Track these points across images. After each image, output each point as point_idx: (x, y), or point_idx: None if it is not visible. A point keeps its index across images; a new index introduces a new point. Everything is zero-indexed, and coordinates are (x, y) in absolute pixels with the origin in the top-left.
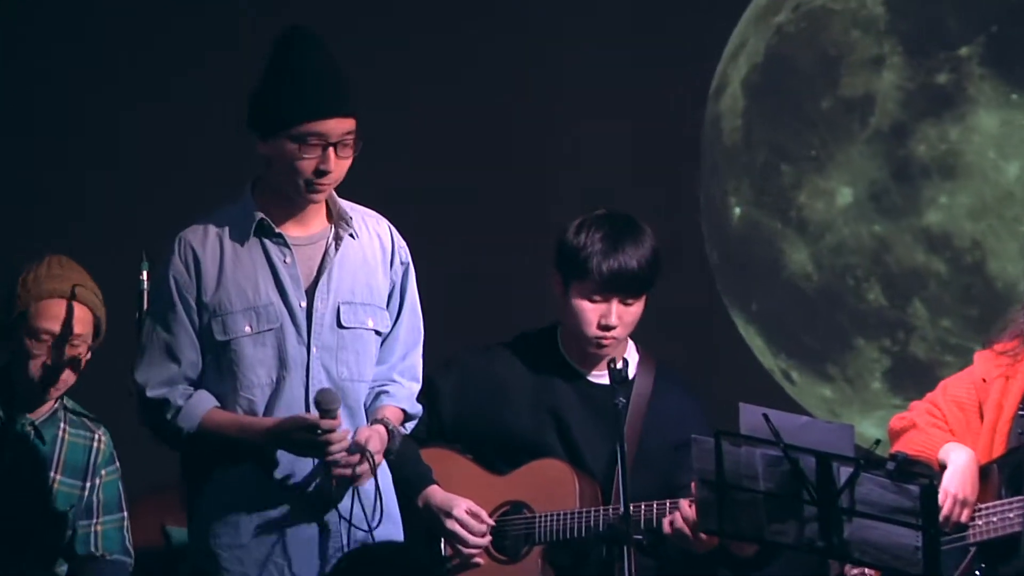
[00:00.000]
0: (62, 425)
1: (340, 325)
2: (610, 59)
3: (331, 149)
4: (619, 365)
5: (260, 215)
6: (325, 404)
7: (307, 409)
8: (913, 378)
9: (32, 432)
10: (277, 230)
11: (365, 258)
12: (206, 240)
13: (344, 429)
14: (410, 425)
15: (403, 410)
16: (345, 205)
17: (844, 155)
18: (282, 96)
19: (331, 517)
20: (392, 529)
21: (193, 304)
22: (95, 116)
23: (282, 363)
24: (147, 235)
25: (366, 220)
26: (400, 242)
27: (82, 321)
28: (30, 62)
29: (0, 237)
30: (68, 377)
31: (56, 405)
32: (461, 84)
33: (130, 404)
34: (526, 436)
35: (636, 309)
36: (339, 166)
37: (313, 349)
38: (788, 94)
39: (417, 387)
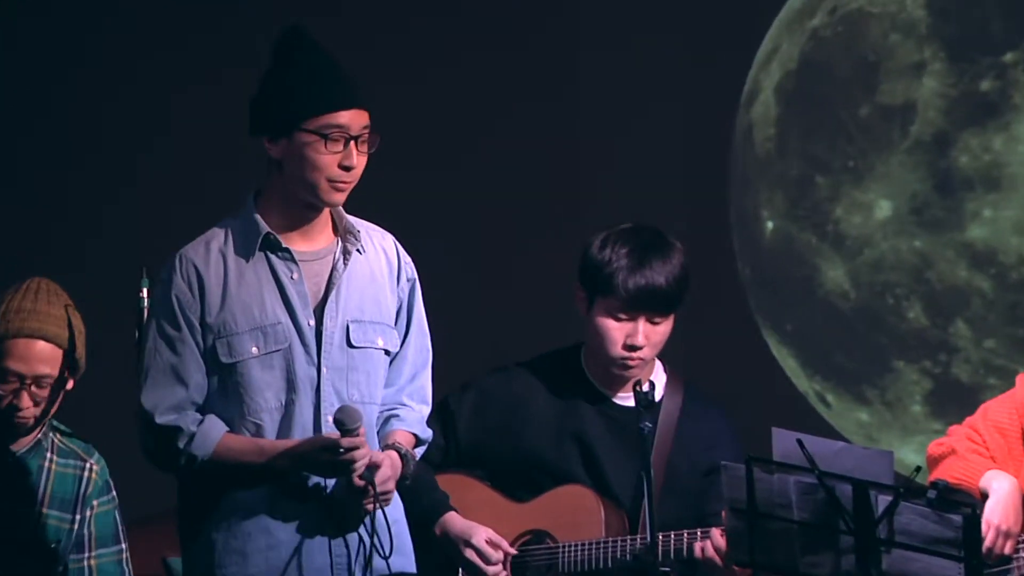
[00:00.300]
0: (48, 455)
1: (350, 344)
2: (634, 65)
3: (352, 143)
4: (645, 388)
5: (267, 229)
6: (346, 423)
7: (318, 434)
8: (955, 402)
9: (12, 462)
10: (284, 245)
11: (373, 274)
12: (208, 257)
13: (366, 448)
14: (420, 450)
15: (414, 435)
16: (351, 219)
17: (883, 166)
18: (296, 90)
19: (341, 549)
20: (403, 562)
21: (197, 325)
22: (95, 127)
23: (291, 385)
24: (148, 251)
25: (371, 235)
26: (406, 258)
27: (47, 362)
28: (31, 70)
29: (23, 254)
30: (34, 414)
31: (40, 434)
32: (485, 90)
33: (125, 427)
34: (548, 461)
35: (664, 328)
36: (360, 162)
37: (323, 370)
38: (824, 102)
39: (427, 410)
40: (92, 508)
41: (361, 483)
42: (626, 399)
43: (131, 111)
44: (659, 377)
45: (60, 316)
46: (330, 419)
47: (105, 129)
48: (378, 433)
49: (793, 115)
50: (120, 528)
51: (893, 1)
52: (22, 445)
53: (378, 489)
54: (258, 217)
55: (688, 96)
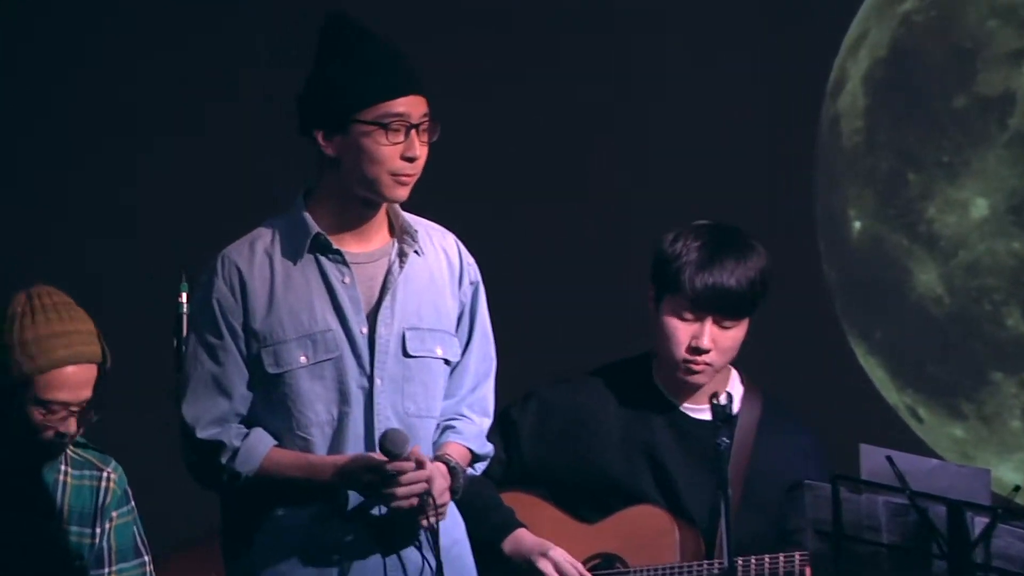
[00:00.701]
0: (62, 468)
1: (406, 354)
2: (709, 51)
3: (414, 132)
4: (722, 400)
5: (317, 229)
6: (391, 447)
7: (369, 450)
8: None
9: (30, 481)
10: (335, 246)
11: (432, 277)
12: (253, 259)
13: (421, 472)
14: (480, 466)
15: (470, 449)
16: (407, 215)
17: (980, 161)
18: (350, 80)
19: (398, 571)
20: None
21: (240, 331)
22: (124, 124)
23: (342, 397)
24: (186, 252)
25: (431, 234)
26: (468, 259)
27: (89, 383)
28: (31, 69)
29: (23, 254)
30: (77, 435)
31: None
32: (549, 77)
33: (156, 444)
34: (618, 479)
35: (735, 334)
36: (423, 152)
37: (377, 381)
38: (916, 92)
39: (488, 423)
40: (111, 520)
41: (415, 501)
42: (700, 411)
43: (163, 99)
44: (735, 388)
45: (87, 330)
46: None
47: (140, 128)
48: (434, 444)
49: (883, 106)
50: (140, 540)
51: None
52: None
53: (434, 501)
54: (308, 216)
55: (769, 86)
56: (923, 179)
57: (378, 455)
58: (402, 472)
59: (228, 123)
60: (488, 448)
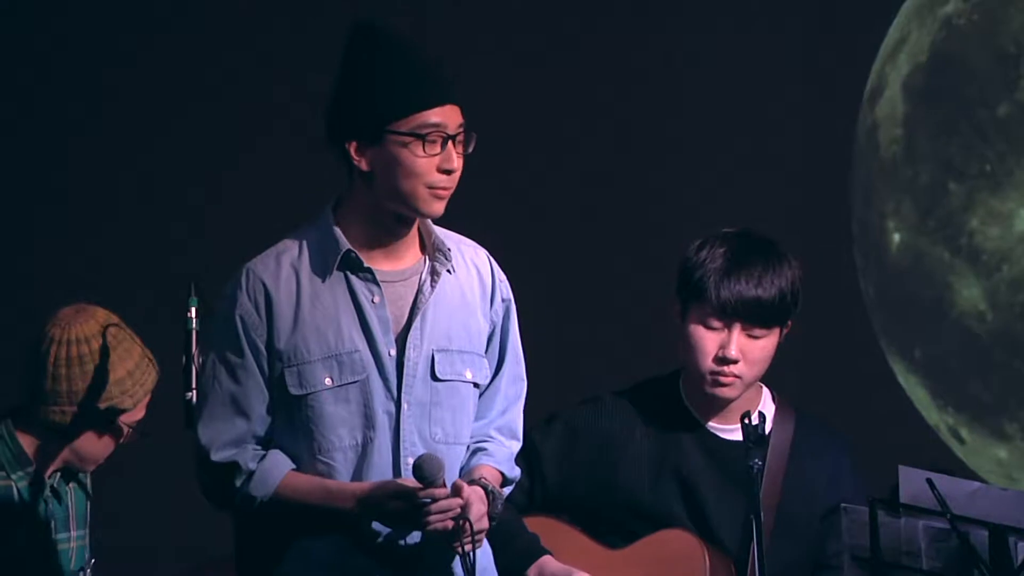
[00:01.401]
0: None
1: (435, 377)
2: (743, 56)
3: (451, 143)
4: (754, 420)
5: (348, 246)
6: (426, 473)
7: (397, 477)
8: None
9: (51, 495)
10: (366, 264)
11: (463, 296)
12: (279, 274)
13: (456, 499)
14: (507, 490)
15: (502, 472)
16: (438, 230)
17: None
18: (387, 88)
19: None
20: None
21: (263, 350)
22: (127, 125)
23: (368, 422)
24: (196, 264)
25: (463, 250)
26: (501, 276)
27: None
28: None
29: (31, 263)
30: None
31: None
32: (581, 92)
33: (169, 467)
34: (645, 502)
35: (765, 344)
36: (459, 165)
37: (404, 405)
38: (958, 99)
39: (517, 446)
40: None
41: (449, 525)
42: (730, 431)
43: (174, 101)
44: (767, 407)
45: (147, 354)
46: (410, 461)
47: (144, 126)
48: (462, 469)
49: (923, 114)
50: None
51: None
52: (50, 472)
53: (471, 526)
54: (338, 232)
55: (803, 92)
56: (965, 190)
57: (407, 480)
58: (435, 499)
59: (292, 134)
60: (517, 472)
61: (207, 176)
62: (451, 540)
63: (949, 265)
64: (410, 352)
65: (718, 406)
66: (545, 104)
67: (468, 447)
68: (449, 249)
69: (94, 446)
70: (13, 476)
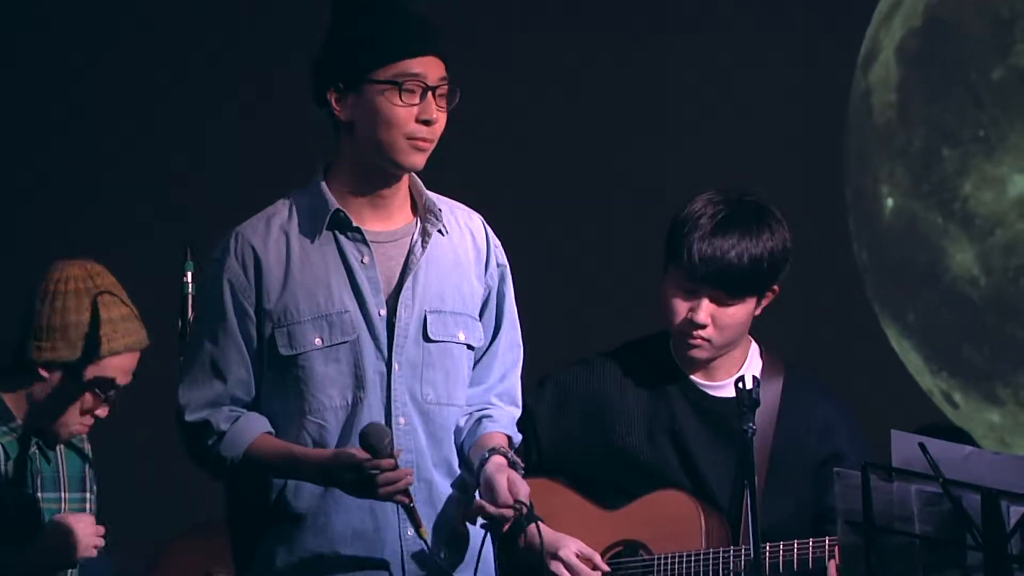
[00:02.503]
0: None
1: (427, 338)
2: (734, 20)
3: (431, 95)
4: (748, 384)
5: (336, 205)
6: (372, 442)
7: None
8: None
9: (38, 453)
10: (355, 224)
11: (457, 258)
12: (268, 236)
13: (404, 469)
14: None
15: (509, 437)
16: (433, 194)
17: (1017, 136)
18: (364, 37)
19: (415, 569)
20: None
21: (252, 313)
22: (123, 96)
23: (358, 382)
24: (191, 229)
25: (456, 214)
26: (495, 241)
27: (134, 369)
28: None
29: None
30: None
31: None
32: (581, 53)
33: (165, 428)
34: (640, 462)
35: (735, 312)
36: (440, 118)
37: (395, 366)
38: (951, 63)
39: (517, 412)
40: (95, 485)
41: (405, 500)
42: (719, 388)
43: (167, 69)
44: (755, 363)
45: (137, 315)
46: (402, 421)
47: (139, 94)
48: (468, 435)
49: (917, 79)
50: None
51: None
52: (42, 432)
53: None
54: (327, 192)
55: (797, 57)
56: (958, 155)
57: (359, 451)
58: (380, 470)
59: (286, 96)
60: (519, 436)
61: (205, 139)
62: (498, 527)
63: (943, 230)
64: (401, 312)
65: (701, 363)
66: (539, 69)
67: (471, 415)
68: (440, 210)
69: (53, 397)
70: None
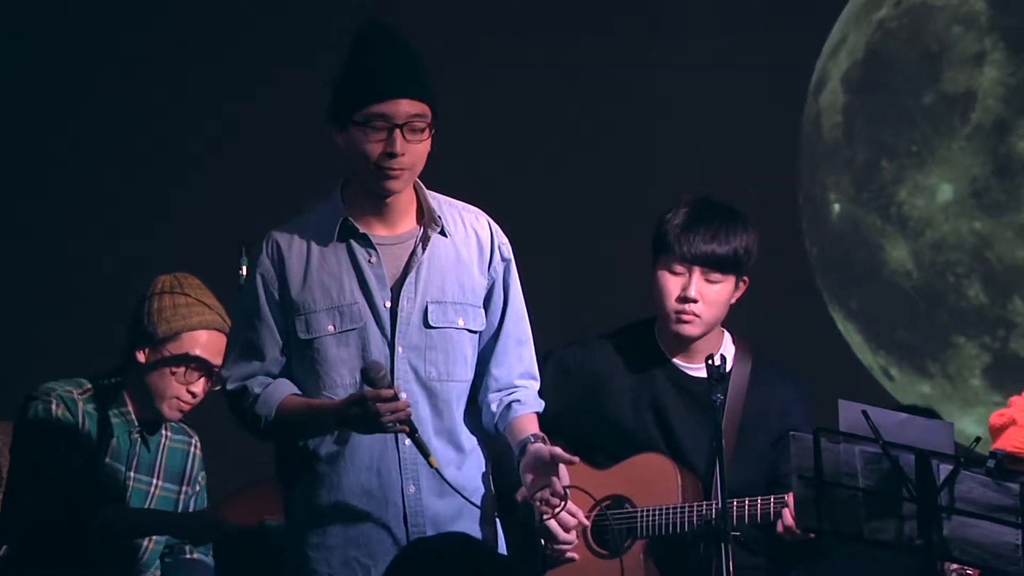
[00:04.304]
0: (164, 432)
1: (427, 325)
2: (707, 57)
3: (398, 131)
4: (717, 361)
5: (344, 215)
6: (370, 376)
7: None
8: (1013, 375)
9: (139, 440)
10: (361, 231)
11: (459, 256)
12: (293, 239)
13: (402, 400)
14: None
15: (536, 413)
16: (441, 200)
17: (945, 151)
18: (348, 85)
19: (417, 521)
20: (476, 532)
21: (279, 302)
22: (197, 114)
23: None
24: (248, 231)
25: (463, 216)
26: (501, 238)
27: (220, 352)
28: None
29: (101, 235)
30: (196, 403)
31: None
32: (553, 80)
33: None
34: (627, 431)
35: (720, 289)
36: (409, 149)
37: (398, 349)
38: (889, 90)
39: (538, 384)
40: (199, 483)
41: (405, 429)
42: (697, 370)
43: (234, 92)
44: (728, 348)
45: (219, 307)
46: (403, 396)
47: (210, 114)
48: (500, 419)
49: (859, 103)
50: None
51: None
52: (147, 421)
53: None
54: (340, 204)
55: (759, 86)
56: (895, 167)
57: (365, 390)
58: (381, 399)
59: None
60: (542, 404)
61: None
62: (529, 516)
63: (881, 230)
64: (404, 303)
65: (684, 345)
66: (515, 91)
67: (501, 400)
68: (440, 216)
69: (149, 376)
70: (111, 411)
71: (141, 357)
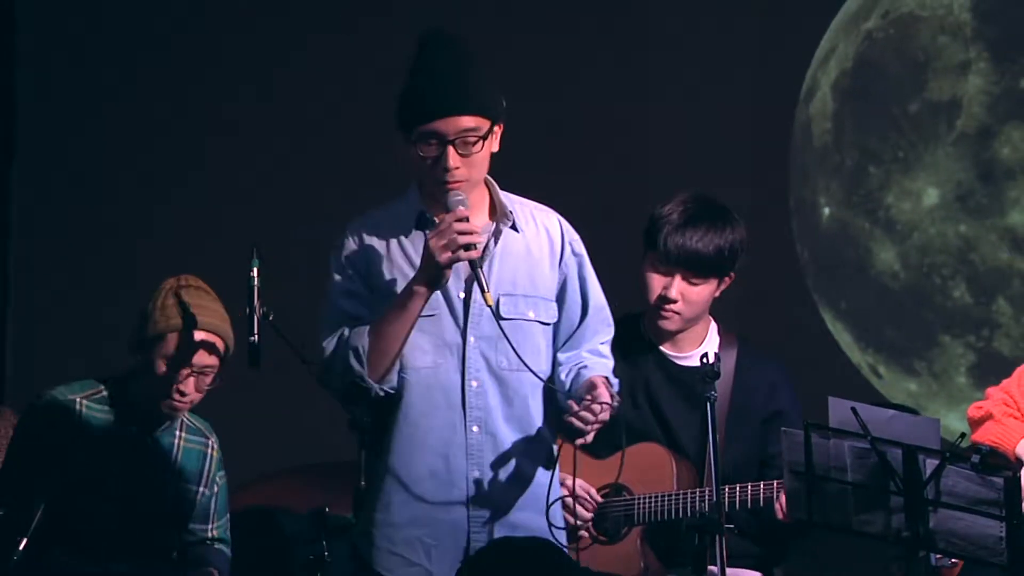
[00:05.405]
0: (178, 433)
1: (499, 316)
2: (702, 66)
3: (450, 147)
4: (711, 360)
5: (421, 208)
6: (449, 202)
7: (463, 395)
8: (997, 373)
9: (150, 441)
10: (437, 221)
11: (529, 251)
12: (374, 229)
13: (461, 210)
14: (616, 382)
15: (606, 377)
16: (513, 199)
17: (931, 157)
18: (403, 102)
19: (479, 506)
20: (540, 523)
21: (362, 283)
22: (211, 120)
23: (438, 350)
24: (255, 234)
25: (535, 215)
26: (571, 235)
27: (214, 353)
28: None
29: (121, 236)
30: (194, 401)
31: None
32: (550, 85)
33: (237, 395)
34: (625, 420)
35: (701, 290)
36: (464, 162)
37: (470, 338)
38: (877, 98)
39: (611, 363)
40: (217, 483)
41: (475, 254)
42: (685, 358)
43: (252, 94)
44: (713, 338)
45: (220, 311)
46: (474, 384)
47: (226, 120)
48: (572, 386)
49: (848, 110)
50: (227, 500)
51: (941, 5)
52: (159, 424)
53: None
54: (417, 198)
55: (751, 95)
56: (882, 172)
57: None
58: (457, 218)
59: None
60: (616, 382)
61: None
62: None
63: (869, 233)
64: (477, 295)
65: (670, 334)
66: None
67: (570, 370)
68: (512, 211)
69: (144, 377)
70: (118, 412)
71: (138, 357)
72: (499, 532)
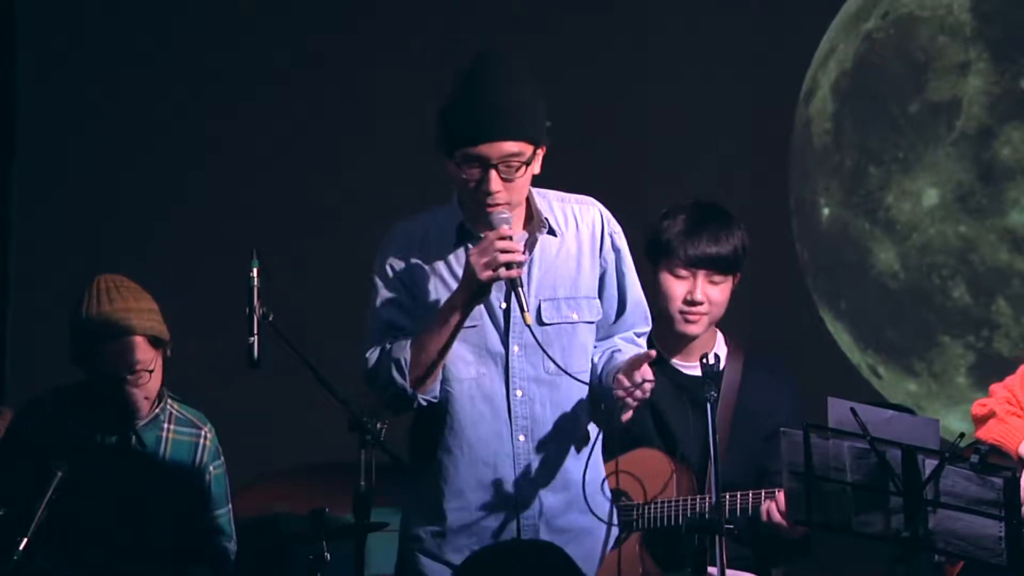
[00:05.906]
0: (165, 425)
1: (541, 322)
2: (702, 68)
3: (492, 171)
4: (711, 361)
5: (461, 219)
6: (492, 220)
7: (508, 404)
8: (997, 374)
9: (133, 438)
10: (478, 234)
11: (568, 251)
12: (415, 239)
13: (505, 228)
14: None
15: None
16: (552, 198)
17: (931, 157)
18: (447, 123)
19: (528, 513)
20: (588, 522)
21: (406, 290)
22: (221, 118)
23: (481, 360)
24: (256, 234)
25: (575, 209)
26: (612, 228)
27: (143, 350)
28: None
29: (127, 236)
30: (145, 399)
31: (158, 408)
32: (548, 88)
33: (237, 395)
34: (624, 427)
35: (723, 288)
36: (506, 186)
37: (513, 348)
38: (876, 98)
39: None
40: (210, 473)
41: (516, 273)
42: (690, 368)
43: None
44: (720, 348)
45: (146, 309)
46: (519, 394)
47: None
48: (603, 368)
49: (848, 110)
50: (228, 490)
51: (941, 5)
52: (140, 419)
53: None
54: (458, 208)
55: (751, 95)
56: (882, 172)
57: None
58: (501, 236)
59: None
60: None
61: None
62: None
63: (869, 233)
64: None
65: (681, 345)
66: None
67: (603, 353)
68: (548, 217)
69: (98, 384)
70: (104, 412)
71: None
72: (547, 538)
